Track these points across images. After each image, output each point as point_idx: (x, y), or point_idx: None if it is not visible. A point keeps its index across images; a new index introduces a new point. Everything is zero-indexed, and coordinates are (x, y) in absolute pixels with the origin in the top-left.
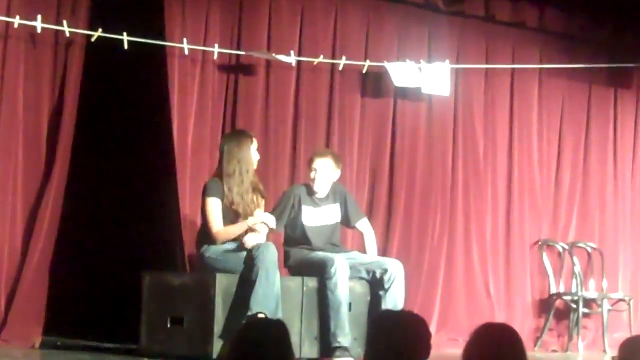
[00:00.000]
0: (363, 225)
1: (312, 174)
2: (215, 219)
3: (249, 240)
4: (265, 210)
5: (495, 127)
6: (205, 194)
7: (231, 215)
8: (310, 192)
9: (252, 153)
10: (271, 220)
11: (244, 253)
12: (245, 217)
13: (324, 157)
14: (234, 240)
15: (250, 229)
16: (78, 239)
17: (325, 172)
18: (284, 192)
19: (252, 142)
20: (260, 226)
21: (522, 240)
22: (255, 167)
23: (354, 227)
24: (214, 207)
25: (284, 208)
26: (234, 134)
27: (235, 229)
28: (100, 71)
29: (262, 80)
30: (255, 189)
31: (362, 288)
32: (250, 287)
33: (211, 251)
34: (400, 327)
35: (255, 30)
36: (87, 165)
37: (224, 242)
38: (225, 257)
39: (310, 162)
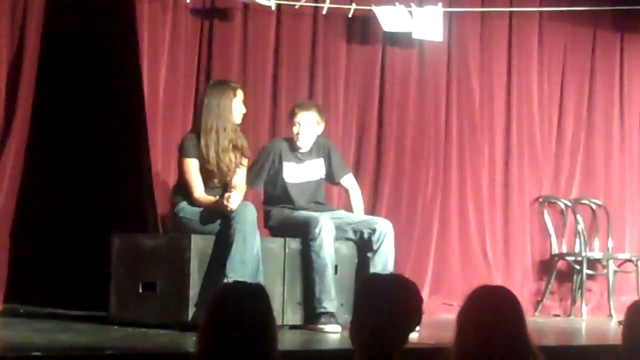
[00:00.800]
0: (348, 181)
1: (296, 129)
2: (195, 183)
3: (234, 201)
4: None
5: (492, 75)
6: (181, 153)
7: (206, 175)
8: (293, 147)
9: (235, 107)
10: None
11: (221, 213)
12: (222, 178)
13: (307, 110)
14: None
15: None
16: (41, 199)
17: (309, 126)
18: (264, 147)
19: (235, 95)
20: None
21: (521, 197)
22: (238, 122)
23: (338, 184)
24: (193, 169)
25: (263, 164)
26: (215, 84)
27: (215, 203)
28: (63, 16)
29: (240, 26)
30: (235, 147)
31: (348, 250)
32: (227, 251)
33: (186, 211)
34: (388, 292)
35: None
36: (50, 119)
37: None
38: (202, 217)
39: (292, 115)
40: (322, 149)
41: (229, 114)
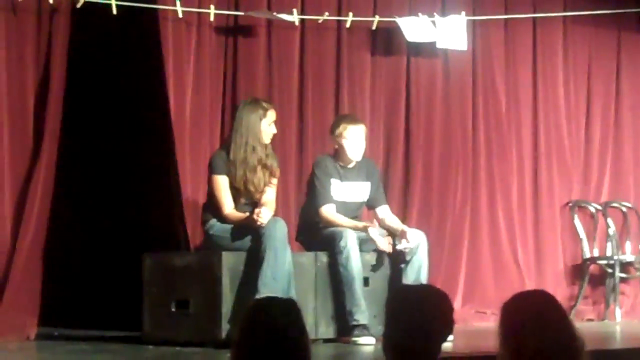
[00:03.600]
0: (384, 211)
1: (347, 143)
2: (225, 200)
3: (264, 215)
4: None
5: (517, 81)
6: (211, 170)
7: (234, 193)
8: (335, 164)
9: (264, 127)
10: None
11: (251, 229)
12: (249, 196)
13: (358, 123)
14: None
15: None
16: (72, 222)
17: (361, 139)
18: (318, 165)
19: (265, 115)
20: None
21: (551, 202)
22: (267, 142)
23: (372, 210)
24: (223, 186)
25: (326, 181)
26: (247, 103)
27: (245, 219)
28: (88, 40)
29: (264, 42)
30: (264, 167)
31: (380, 261)
32: (258, 268)
33: (217, 228)
34: (417, 302)
35: None
36: (79, 142)
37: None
38: (232, 234)
39: (340, 130)
40: (369, 171)
41: (258, 133)
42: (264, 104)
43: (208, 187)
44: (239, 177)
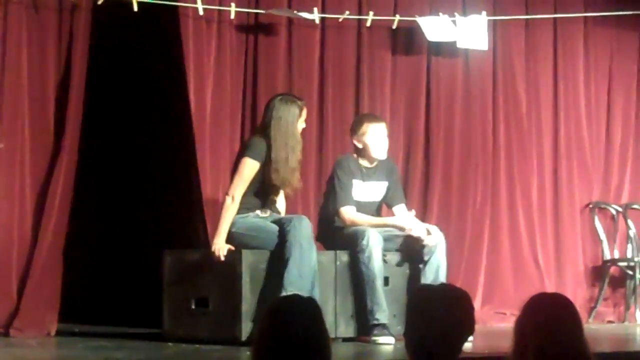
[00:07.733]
0: (401, 211)
1: (371, 142)
2: (242, 184)
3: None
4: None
5: (538, 82)
6: (247, 151)
7: (268, 190)
8: (357, 164)
9: (300, 126)
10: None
11: (275, 227)
12: (278, 194)
13: (379, 122)
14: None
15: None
16: (92, 218)
17: (384, 137)
18: (341, 165)
19: (300, 114)
20: None
21: (571, 203)
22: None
23: (390, 208)
24: (250, 171)
25: (348, 182)
26: (284, 102)
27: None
28: (109, 36)
29: (284, 41)
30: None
31: (399, 261)
32: (284, 266)
33: (238, 225)
34: (439, 302)
35: None
36: (99, 138)
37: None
38: (255, 231)
39: (362, 129)
40: (387, 170)
41: (296, 133)
42: (299, 102)
43: (234, 166)
44: (280, 178)
